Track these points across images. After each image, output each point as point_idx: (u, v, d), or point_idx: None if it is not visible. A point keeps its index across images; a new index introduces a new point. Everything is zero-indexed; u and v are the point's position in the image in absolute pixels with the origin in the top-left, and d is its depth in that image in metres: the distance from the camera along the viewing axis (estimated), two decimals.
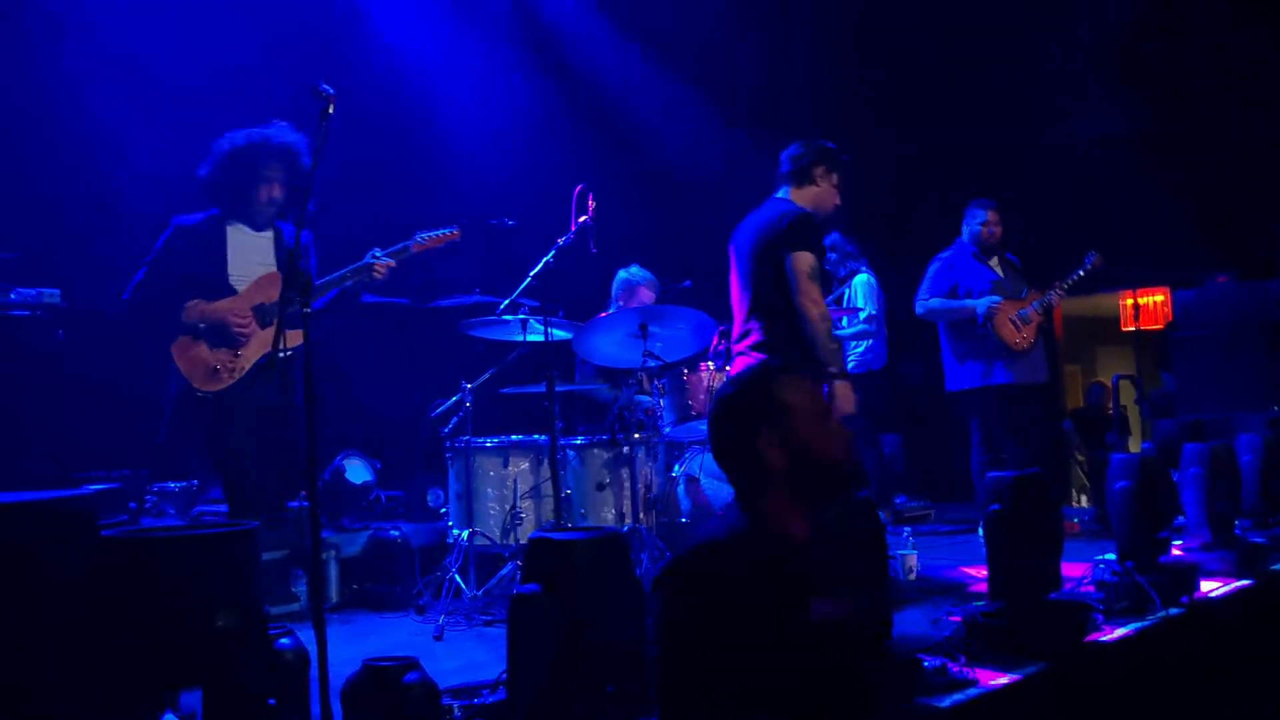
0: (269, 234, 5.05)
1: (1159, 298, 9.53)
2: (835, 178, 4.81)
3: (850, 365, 7.66)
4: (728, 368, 5.34)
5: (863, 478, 7.60)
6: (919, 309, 6.85)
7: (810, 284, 4.44)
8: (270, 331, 4.35)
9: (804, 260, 4.46)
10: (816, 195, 4.76)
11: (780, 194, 4.79)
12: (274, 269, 4.91)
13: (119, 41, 6.46)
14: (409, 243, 5.08)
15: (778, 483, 2.46)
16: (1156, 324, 9.43)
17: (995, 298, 6.60)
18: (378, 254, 4.96)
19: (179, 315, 4.79)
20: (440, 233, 5.14)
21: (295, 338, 4.29)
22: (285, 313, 4.12)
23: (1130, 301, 9.33)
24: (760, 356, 4.52)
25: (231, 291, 4.86)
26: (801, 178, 4.77)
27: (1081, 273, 6.74)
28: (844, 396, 4.36)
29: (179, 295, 4.82)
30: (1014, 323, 6.57)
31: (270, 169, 4.95)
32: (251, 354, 4.83)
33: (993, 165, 8.69)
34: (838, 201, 4.83)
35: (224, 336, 4.79)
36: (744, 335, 4.67)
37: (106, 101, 6.41)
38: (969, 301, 6.65)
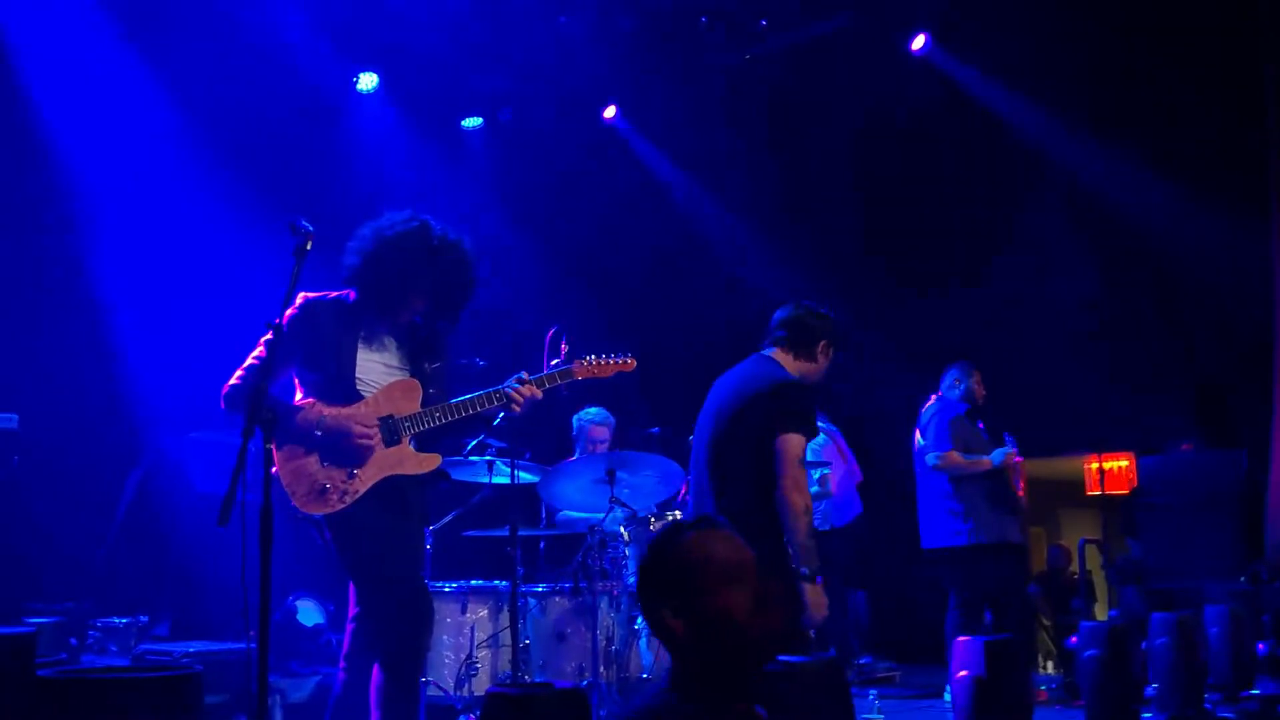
0: (403, 335, 4.17)
1: (1123, 462, 9.56)
2: (832, 355, 4.44)
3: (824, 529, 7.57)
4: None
5: (822, 638, 7.46)
6: (934, 460, 6.61)
7: (800, 471, 4.04)
8: (396, 452, 3.90)
9: (798, 445, 4.06)
10: (810, 370, 4.36)
11: (767, 352, 4.38)
12: (405, 376, 4.09)
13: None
14: (569, 365, 4.26)
15: (694, 662, 2.19)
16: (1121, 489, 9.44)
17: (1008, 447, 6.54)
18: (525, 377, 4.11)
19: (291, 418, 3.89)
20: (614, 359, 4.36)
21: (428, 462, 4.01)
22: (420, 430, 3.92)
23: (1095, 465, 9.34)
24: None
25: (358, 397, 3.99)
26: (800, 348, 4.35)
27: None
28: (815, 603, 3.95)
29: (301, 385, 4.02)
30: (1016, 478, 6.58)
31: (440, 271, 4.09)
32: (369, 475, 3.90)
33: (958, 323, 8.81)
34: (819, 379, 4.44)
35: (341, 450, 3.89)
36: (700, 502, 4.25)
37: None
38: (983, 455, 6.58)
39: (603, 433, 6.43)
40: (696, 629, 2.17)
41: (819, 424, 7.43)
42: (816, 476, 7.25)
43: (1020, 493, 6.58)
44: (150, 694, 2.53)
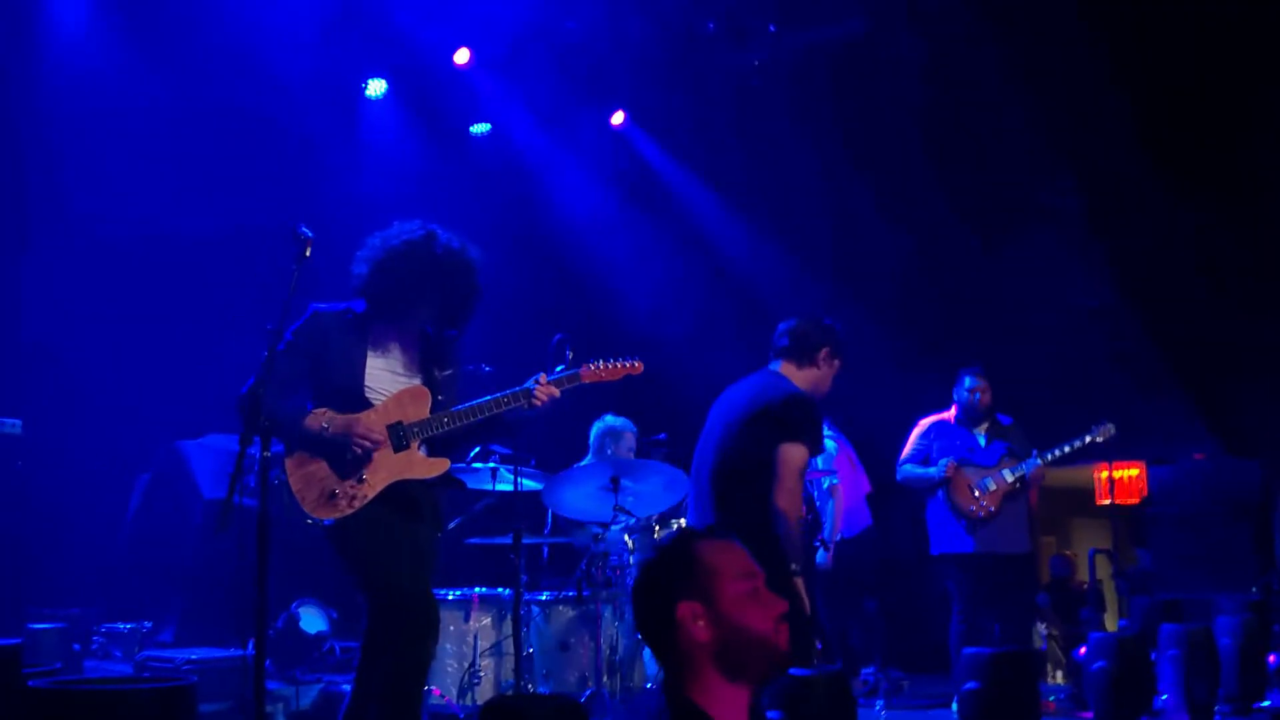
0: (412, 342, 4.20)
1: (1134, 472, 9.50)
2: (837, 364, 4.50)
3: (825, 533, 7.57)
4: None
5: (830, 651, 7.43)
6: (898, 475, 6.80)
7: (798, 483, 4.08)
8: (406, 457, 3.93)
9: (799, 455, 4.09)
10: (816, 378, 4.42)
11: (774, 367, 4.45)
12: (415, 383, 4.11)
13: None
14: (577, 370, 4.31)
15: (707, 659, 2.20)
16: (1131, 498, 9.38)
17: (945, 461, 6.53)
18: (542, 379, 4.17)
19: (298, 423, 3.90)
20: (620, 362, 4.38)
21: (438, 466, 4.02)
22: (429, 435, 3.96)
23: (1105, 474, 9.27)
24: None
25: (367, 405, 4.00)
26: (803, 357, 4.41)
27: (1079, 443, 6.62)
28: (802, 595, 4.02)
29: (311, 396, 4.02)
30: (971, 489, 6.48)
31: (447, 279, 4.13)
32: (378, 480, 3.92)
33: (976, 331, 8.76)
34: (829, 388, 4.51)
35: (349, 455, 3.91)
36: (701, 510, 4.30)
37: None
38: (930, 469, 6.60)
39: (632, 440, 6.38)
40: (722, 632, 2.18)
41: (828, 432, 7.50)
42: (825, 485, 7.25)
43: (992, 501, 6.49)
44: (141, 706, 2.50)
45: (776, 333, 4.50)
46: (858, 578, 7.71)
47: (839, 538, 7.45)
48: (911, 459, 6.75)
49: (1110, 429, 6.61)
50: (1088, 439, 6.59)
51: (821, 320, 4.51)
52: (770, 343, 4.54)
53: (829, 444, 7.54)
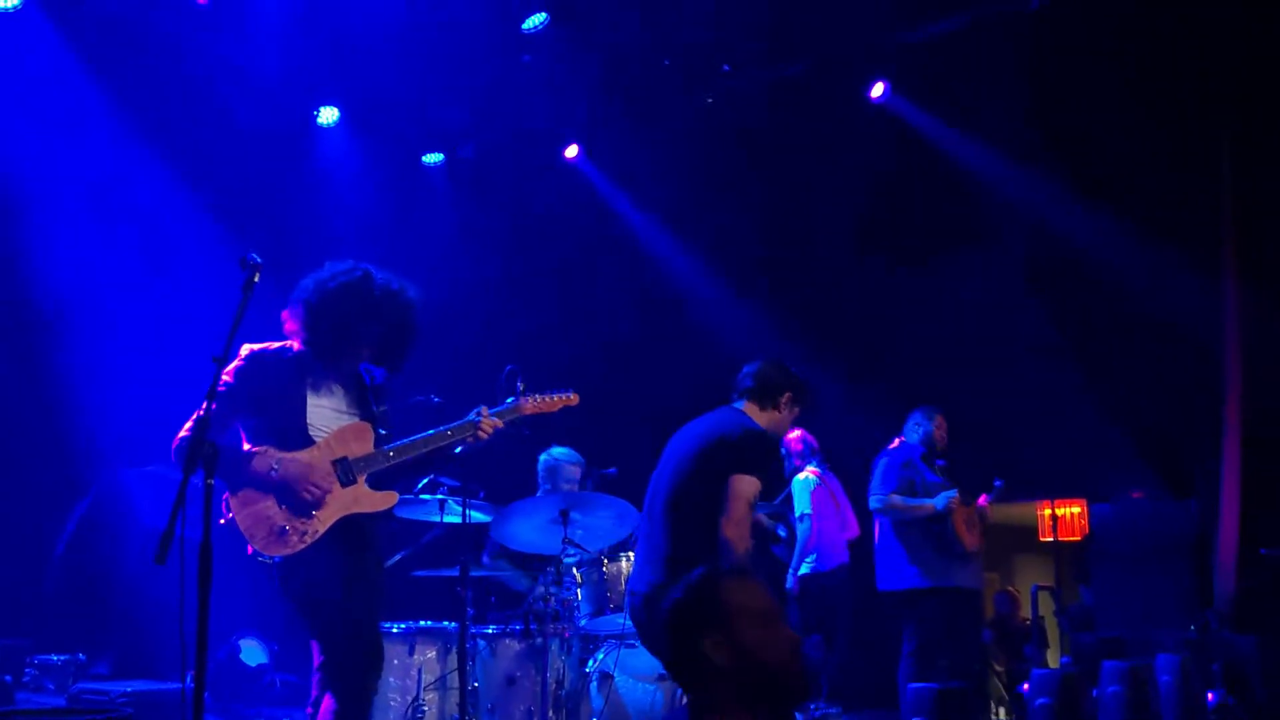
0: (349, 381, 4.23)
1: (1076, 509, 9.62)
2: (797, 410, 4.58)
3: (802, 571, 7.56)
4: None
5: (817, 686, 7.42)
6: (876, 503, 6.71)
7: (746, 514, 4.11)
8: (352, 492, 3.97)
9: (750, 487, 4.11)
10: (775, 421, 4.48)
11: (738, 405, 4.50)
12: (355, 420, 4.14)
13: None
14: (517, 402, 4.42)
15: (731, 689, 2.42)
16: (1074, 536, 9.49)
17: (952, 491, 6.54)
18: (484, 411, 4.24)
19: (245, 463, 3.91)
20: (557, 395, 4.52)
21: (385, 500, 4.05)
22: (375, 470, 4.00)
23: (1048, 512, 9.39)
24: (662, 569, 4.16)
25: (309, 442, 4.02)
26: (765, 399, 4.48)
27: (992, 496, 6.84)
28: None
29: (249, 434, 4.03)
30: (968, 523, 6.56)
31: (384, 320, 4.16)
32: (328, 516, 3.95)
33: (916, 369, 8.85)
34: (786, 433, 4.68)
35: (293, 495, 3.92)
36: (653, 544, 4.27)
37: None
38: (926, 499, 6.59)
39: (575, 472, 6.36)
40: (743, 664, 2.41)
41: (816, 468, 7.54)
42: (797, 514, 7.42)
43: (977, 538, 6.57)
44: None
45: (741, 373, 4.56)
46: (820, 613, 7.69)
47: (810, 571, 7.48)
48: (893, 488, 6.67)
49: (1003, 488, 6.83)
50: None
51: (786, 366, 4.58)
52: (731, 382, 4.59)
53: (810, 480, 7.56)
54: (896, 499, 6.65)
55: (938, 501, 6.52)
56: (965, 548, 6.49)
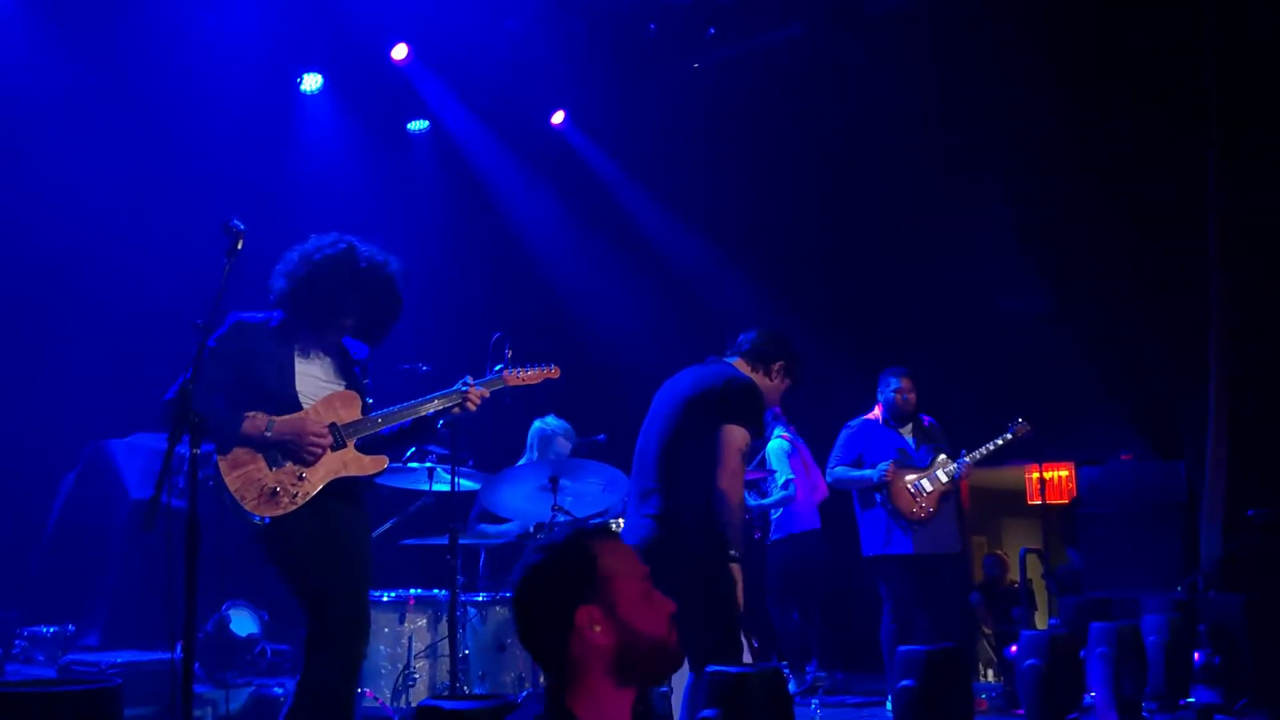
0: (334, 351, 4.27)
1: (1064, 473, 9.65)
2: (787, 383, 4.53)
3: (772, 534, 7.69)
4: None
5: (768, 647, 7.47)
6: (828, 477, 6.86)
7: (739, 464, 4.08)
8: (341, 455, 4.00)
9: (740, 436, 4.08)
10: (765, 387, 4.41)
11: (729, 360, 4.46)
12: (340, 388, 4.18)
13: None
14: (500, 373, 4.45)
15: (603, 667, 2.11)
16: (1062, 499, 9.53)
17: (885, 464, 6.57)
18: (470, 382, 4.28)
19: (235, 425, 3.92)
20: (538, 368, 4.55)
21: (375, 463, 4.08)
22: (363, 436, 4.03)
23: (1036, 475, 9.41)
24: (654, 524, 4.12)
25: (298, 408, 4.06)
26: (758, 362, 4.44)
27: (1001, 441, 6.74)
28: (738, 582, 4.00)
29: (235, 403, 4.00)
30: (910, 491, 6.54)
31: (368, 293, 4.20)
32: (319, 478, 3.98)
33: (906, 333, 8.85)
34: (776, 402, 4.57)
35: (290, 454, 3.96)
36: (644, 495, 4.24)
37: None
38: (867, 471, 6.63)
39: (567, 446, 6.35)
40: (621, 637, 2.11)
41: (785, 432, 7.56)
42: (780, 482, 7.46)
43: (933, 503, 6.55)
44: (64, 709, 2.43)
45: (740, 337, 4.53)
46: (796, 577, 7.78)
47: (784, 534, 7.57)
48: (844, 461, 6.78)
49: (1026, 425, 6.75)
50: (1009, 436, 6.74)
51: (787, 340, 4.55)
52: (723, 343, 4.56)
53: (783, 444, 7.62)
54: (840, 471, 6.76)
55: (874, 474, 6.57)
56: (907, 517, 6.50)
